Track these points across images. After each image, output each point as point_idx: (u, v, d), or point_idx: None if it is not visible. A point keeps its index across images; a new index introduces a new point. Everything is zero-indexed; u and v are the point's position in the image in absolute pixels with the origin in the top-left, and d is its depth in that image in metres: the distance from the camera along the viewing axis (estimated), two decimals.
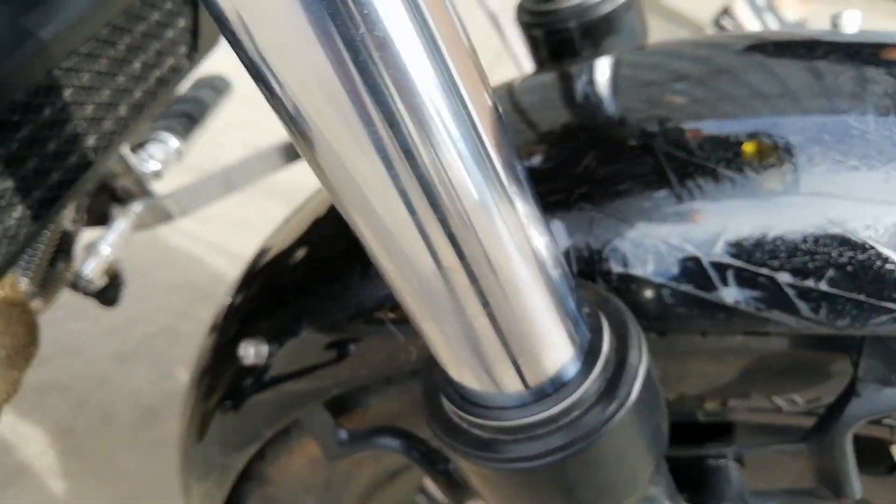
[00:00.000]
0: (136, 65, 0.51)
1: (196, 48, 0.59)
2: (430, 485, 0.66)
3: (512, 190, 0.23)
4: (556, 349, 0.25)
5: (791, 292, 0.29)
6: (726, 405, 0.38)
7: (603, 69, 0.43)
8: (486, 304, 0.23)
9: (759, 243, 0.29)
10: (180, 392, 1.41)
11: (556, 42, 0.50)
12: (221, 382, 0.50)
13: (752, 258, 0.29)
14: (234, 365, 0.46)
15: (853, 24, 0.40)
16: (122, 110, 0.51)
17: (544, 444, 0.26)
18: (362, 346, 0.40)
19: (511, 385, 0.26)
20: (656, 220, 0.31)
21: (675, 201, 0.31)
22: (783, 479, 0.36)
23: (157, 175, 0.88)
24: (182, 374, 1.38)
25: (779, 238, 0.29)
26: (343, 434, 0.44)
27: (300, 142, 0.22)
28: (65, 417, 1.29)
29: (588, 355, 0.26)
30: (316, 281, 0.42)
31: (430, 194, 0.22)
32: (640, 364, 0.26)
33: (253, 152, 0.90)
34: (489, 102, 0.22)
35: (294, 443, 0.50)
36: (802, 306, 0.29)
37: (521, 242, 0.23)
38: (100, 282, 0.84)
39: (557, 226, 0.34)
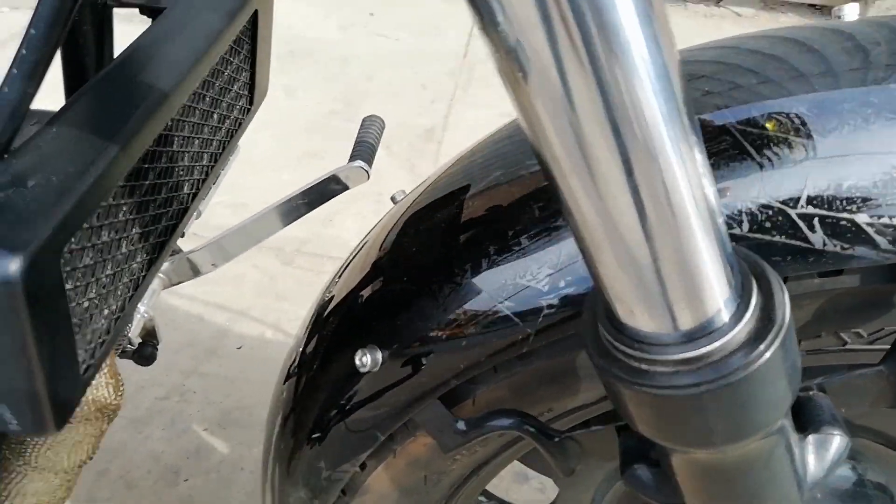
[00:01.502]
0: (215, 117, 0.55)
1: (252, 101, 0.64)
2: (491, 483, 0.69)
3: (691, 131, 0.27)
4: (715, 290, 0.30)
5: (870, 230, 0.35)
6: (799, 345, 0.44)
7: None
8: (664, 244, 0.28)
9: (837, 193, 0.36)
10: (199, 449, 1.40)
11: None
12: (332, 395, 0.53)
13: (833, 206, 0.36)
14: (347, 376, 0.50)
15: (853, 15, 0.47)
16: (206, 158, 0.55)
17: (697, 377, 0.31)
18: (480, 338, 0.44)
19: (675, 323, 0.30)
20: (744, 187, 0.37)
21: (758, 168, 0.37)
22: (864, 403, 0.42)
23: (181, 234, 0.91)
24: (198, 431, 1.38)
25: (853, 187, 0.36)
26: (461, 424, 0.48)
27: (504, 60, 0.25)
28: (87, 490, 1.27)
29: (741, 297, 0.31)
30: (425, 283, 0.46)
31: (622, 127, 0.25)
32: (784, 307, 0.31)
33: (271, 204, 0.94)
34: (676, 50, 0.26)
35: (398, 445, 0.54)
36: (881, 240, 0.35)
37: (698, 185, 0.27)
38: (136, 341, 0.86)
39: None
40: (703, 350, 0.30)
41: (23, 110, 0.35)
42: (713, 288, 0.29)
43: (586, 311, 0.35)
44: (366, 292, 0.53)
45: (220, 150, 0.58)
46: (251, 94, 0.64)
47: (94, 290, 0.40)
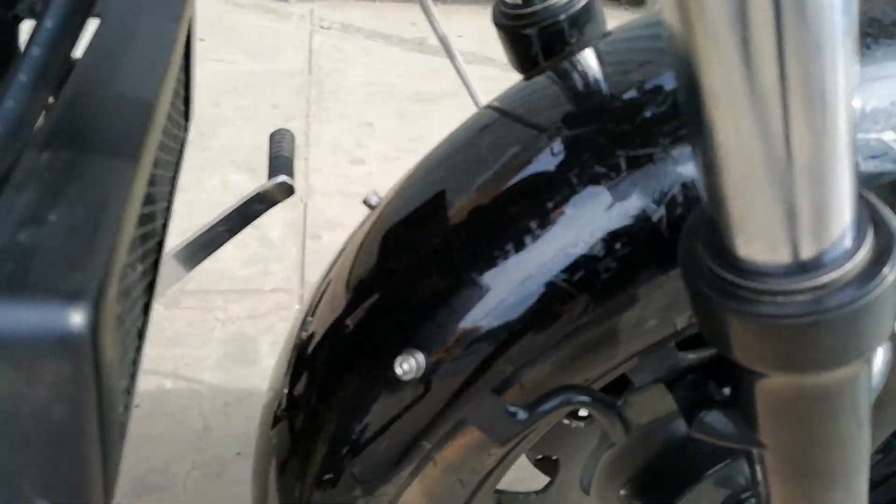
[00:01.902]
0: (174, 130, 0.49)
1: (188, 116, 0.58)
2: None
3: (852, 27, 0.25)
4: (844, 215, 0.30)
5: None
6: None
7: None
8: (809, 158, 0.28)
9: (862, 116, 0.39)
10: None
11: (549, 36, 0.57)
12: (346, 422, 0.49)
13: (860, 128, 0.39)
14: (384, 385, 0.46)
15: None
16: (175, 174, 0.49)
17: (816, 306, 0.32)
18: (534, 317, 0.43)
19: (796, 252, 0.31)
20: None
21: None
22: None
23: None
24: None
25: (874, 109, 0.39)
26: (518, 412, 0.46)
27: None
28: None
29: (860, 225, 0.32)
30: (460, 274, 0.44)
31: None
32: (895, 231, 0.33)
33: (185, 239, 0.86)
34: None
35: (437, 453, 0.51)
36: None
37: (849, 89, 0.26)
38: None
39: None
40: (825, 279, 0.31)
41: (30, 125, 0.29)
42: (842, 213, 0.30)
43: (685, 243, 0.35)
44: (376, 301, 0.49)
45: (178, 166, 0.52)
46: (187, 108, 0.58)
47: (124, 340, 0.34)
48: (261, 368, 1.50)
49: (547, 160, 0.44)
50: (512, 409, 0.47)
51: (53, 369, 0.25)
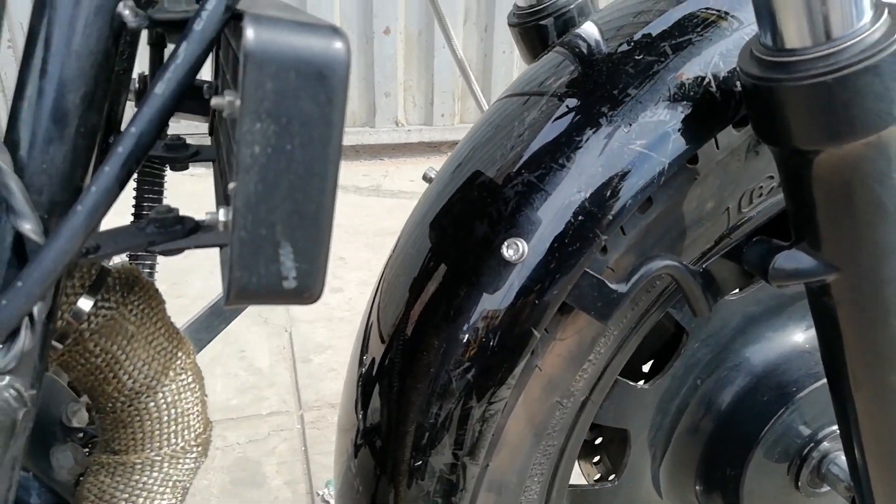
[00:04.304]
0: None
1: None
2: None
3: None
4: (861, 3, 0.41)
5: None
6: None
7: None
8: None
9: None
10: None
11: (562, 24, 0.69)
12: (485, 283, 0.52)
13: None
14: (497, 267, 0.50)
15: None
16: None
17: (839, 62, 0.41)
18: (622, 191, 0.49)
19: (827, 31, 0.41)
20: None
21: None
22: None
23: None
24: None
25: None
26: (616, 285, 0.51)
27: None
28: None
29: (876, 9, 0.41)
30: (549, 164, 0.50)
31: None
32: None
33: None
34: None
35: (540, 359, 0.54)
36: None
37: None
38: None
39: None
40: (848, 43, 0.41)
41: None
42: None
43: (742, 55, 0.44)
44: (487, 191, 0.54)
45: None
46: None
47: None
48: (270, 489, 1.43)
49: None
50: (612, 283, 0.51)
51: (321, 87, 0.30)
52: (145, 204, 0.62)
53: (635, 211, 0.51)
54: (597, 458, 0.87)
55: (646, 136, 0.49)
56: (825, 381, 0.75)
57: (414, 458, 0.56)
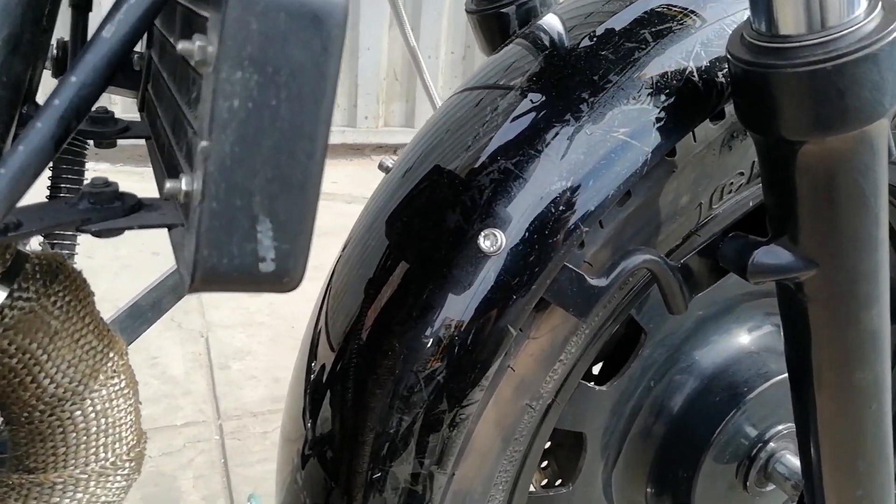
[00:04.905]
0: None
1: None
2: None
3: None
4: None
5: None
6: None
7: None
8: None
9: None
10: None
11: (524, 13, 0.66)
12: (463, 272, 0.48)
13: None
14: (472, 259, 0.46)
15: None
16: None
17: (832, 51, 0.40)
18: (603, 179, 0.46)
19: (822, 20, 0.39)
20: None
21: None
22: None
23: None
24: None
25: None
26: (595, 280, 0.48)
27: None
28: None
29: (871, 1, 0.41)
30: (521, 156, 0.47)
31: None
32: None
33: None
34: None
35: (512, 359, 0.50)
36: None
37: None
38: None
39: None
40: (842, 33, 0.40)
41: None
42: None
43: (731, 38, 0.42)
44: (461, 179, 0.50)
45: None
46: None
47: None
48: None
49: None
50: (591, 277, 0.48)
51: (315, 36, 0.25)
52: (63, 186, 0.55)
53: (615, 203, 0.49)
54: (545, 464, 0.85)
55: (629, 125, 0.47)
56: (773, 381, 0.77)
57: (372, 470, 0.52)
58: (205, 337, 1.83)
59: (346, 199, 2.72)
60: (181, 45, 0.26)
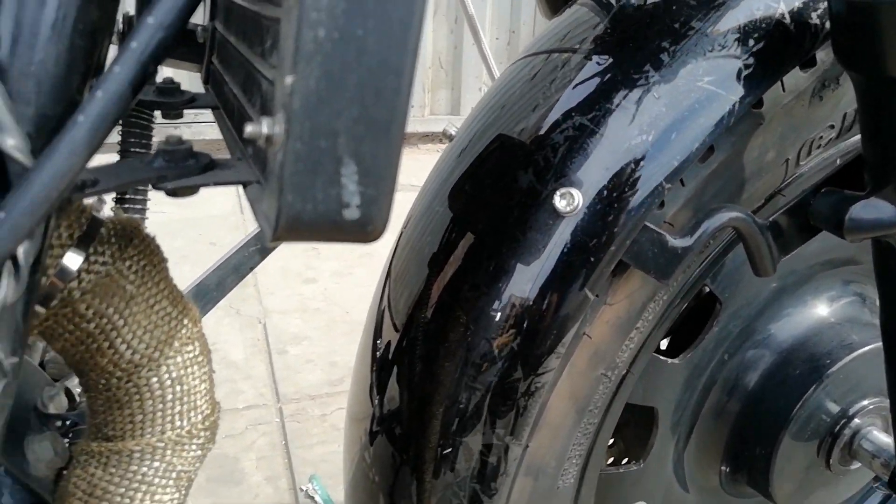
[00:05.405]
0: None
1: None
2: None
3: None
4: None
5: None
6: None
7: None
8: None
9: None
10: None
11: None
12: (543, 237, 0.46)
13: None
14: (547, 221, 0.44)
15: None
16: None
17: None
18: (689, 131, 0.44)
19: None
20: None
21: None
22: None
23: None
24: None
25: None
26: (681, 240, 0.45)
27: None
28: None
29: None
30: (600, 116, 0.45)
31: None
32: None
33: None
34: None
35: (588, 325, 0.48)
36: None
37: None
38: None
39: None
40: None
41: None
42: None
43: None
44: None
45: None
46: None
47: None
48: (250, 486, 1.35)
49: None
50: (673, 237, 0.46)
51: None
52: (133, 151, 0.55)
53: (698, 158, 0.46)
54: (611, 441, 0.82)
55: (714, 73, 0.44)
56: (858, 353, 0.73)
57: (443, 444, 0.50)
58: (262, 323, 1.85)
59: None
60: None
